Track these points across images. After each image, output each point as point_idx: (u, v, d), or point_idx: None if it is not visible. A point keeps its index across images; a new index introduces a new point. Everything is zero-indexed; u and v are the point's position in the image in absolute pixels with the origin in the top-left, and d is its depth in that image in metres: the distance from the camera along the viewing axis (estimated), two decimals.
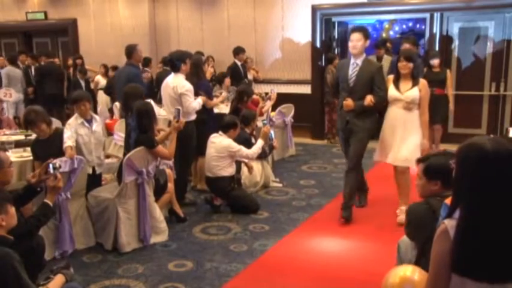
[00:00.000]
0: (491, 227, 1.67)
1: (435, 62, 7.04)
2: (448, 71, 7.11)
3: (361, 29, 4.75)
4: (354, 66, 4.68)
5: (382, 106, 4.72)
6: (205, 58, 5.99)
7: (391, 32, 11.59)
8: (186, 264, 4.01)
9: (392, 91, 4.61)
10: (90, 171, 4.61)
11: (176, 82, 5.22)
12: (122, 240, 4.23)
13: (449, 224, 1.74)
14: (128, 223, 4.27)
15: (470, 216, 1.69)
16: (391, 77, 4.74)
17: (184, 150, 5.16)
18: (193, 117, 5.31)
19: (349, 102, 4.60)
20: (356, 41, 4.62)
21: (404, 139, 4.59)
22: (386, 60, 7.87)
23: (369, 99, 4.52)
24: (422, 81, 4.62)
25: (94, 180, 4.61)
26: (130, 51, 6.24)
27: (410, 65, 4.53)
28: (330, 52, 8.89)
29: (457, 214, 1.75)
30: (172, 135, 4.57)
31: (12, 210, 2.46)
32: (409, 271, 2.31)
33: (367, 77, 4.59)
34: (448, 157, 2.74)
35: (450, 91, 7.11)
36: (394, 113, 4.64)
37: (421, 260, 2.61)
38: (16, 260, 2.27)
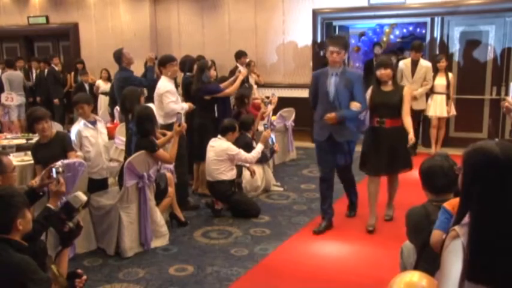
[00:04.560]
0: (504, 233, 1.65)
1: (382, 73, 4.52)
2: (406, 88, 4.67)
3: None
4: None
5: None
6: (211, 63, 6.10)
7: (392, 36, 11.61)
8: (186, 268, 4.01)
9: None
10: (105, 174, 4.67)
11: (159, 84, 5.36)
12: (124, 245, 4.23)
13: (460, 231, 1.72)
14: (130, 228, 4.27)
15: (481, 223, 1.67)
16: None
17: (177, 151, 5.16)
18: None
19: None
20: None
21: None
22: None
23: None
24: None
25: (103, 184, 4.67)
26: (118, 56, 6.28)
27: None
28: None
29: (465, 220, 1.73)
30: (173, 140, 4.57)
31: (29, 215, 2.47)
32: (416, 277, 2.26)
33: None
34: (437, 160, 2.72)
35: (406, 119, 4.50)
36: None
37: (419, 264, 2.61)
38: (30, 269, 2.28)
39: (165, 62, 5.41)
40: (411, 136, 4.42)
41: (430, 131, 7.69)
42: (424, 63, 7.52)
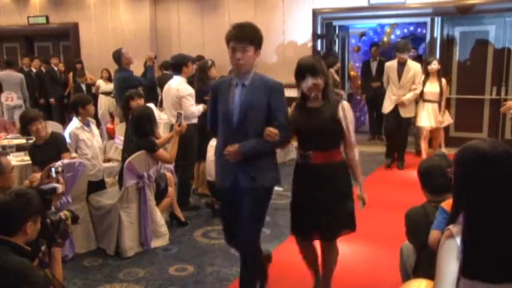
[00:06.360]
0: (498, 229, 1.66)
1: (310, 85, 3.09)
2: (344, 102, 3.08)
3: None
4: None
5: None
6: (211, 63, 6.11)
7: (392, 36, 11.60)
8: (186, 268, 4.01)
9: None
10: (101, 176, 4.66)
11: (178, 85, 5.29)
12: (124, 245, 4.23)
13: (454, 230, 1.74)
14: (130, 228, 4.27)
15: (475, 220, 1.69)
16: None
17: (185, 153, 5.18)
18: (195, 120, 5.34)
19: None
20: None
21: None
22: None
23: None
24: None
25: (101, 186, 4.67)
26: (117, 56, 6.29)
27: None
28: (331, 56, 8.89)
29: (460, 219, 1.75)
30: (173, 139, 4.57)
31: (38, 223, 2.45)
32: (423, 286, 2.25)
33: None
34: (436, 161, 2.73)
35: (350, 153, 3.04)
36: None
37: (419, 264, 2.61)
38: (29, 272, 2.27)
39: (186, 61, 5.41)
40: (361, 193, 3.03)
41: (420, 143, 6.97)
42: (412, 65, 6.70)
